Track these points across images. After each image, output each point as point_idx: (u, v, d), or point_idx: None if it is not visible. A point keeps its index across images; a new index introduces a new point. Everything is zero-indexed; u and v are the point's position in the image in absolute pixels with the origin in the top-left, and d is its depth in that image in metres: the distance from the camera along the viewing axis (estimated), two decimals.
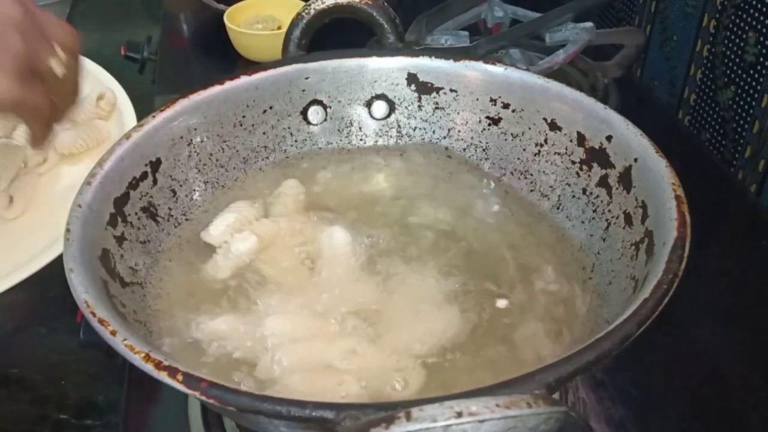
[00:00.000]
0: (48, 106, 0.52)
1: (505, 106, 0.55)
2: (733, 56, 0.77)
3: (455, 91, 0.56)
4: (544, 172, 0.53)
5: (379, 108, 0.58)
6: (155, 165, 0.50)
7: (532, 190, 0.54)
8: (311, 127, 0.58)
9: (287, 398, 0.31)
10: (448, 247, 0.49)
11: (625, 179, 0.47)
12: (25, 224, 0.66)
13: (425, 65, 0.56)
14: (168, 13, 1.15)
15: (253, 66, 0.55)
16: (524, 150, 0.54)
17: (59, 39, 0.52)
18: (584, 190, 0.50)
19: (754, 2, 0.73)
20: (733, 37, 0.77)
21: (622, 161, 0.47)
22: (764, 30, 0.72)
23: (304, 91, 0.57)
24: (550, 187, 0.53)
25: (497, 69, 0.54)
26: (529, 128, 0.54)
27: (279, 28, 0.98)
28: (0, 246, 0.64)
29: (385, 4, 0.56)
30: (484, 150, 0.56)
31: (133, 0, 1.32)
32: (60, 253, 0.53)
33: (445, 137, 0.58)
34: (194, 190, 0.53)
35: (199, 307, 0.45)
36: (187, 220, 0.52)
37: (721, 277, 0.65)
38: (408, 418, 0.28)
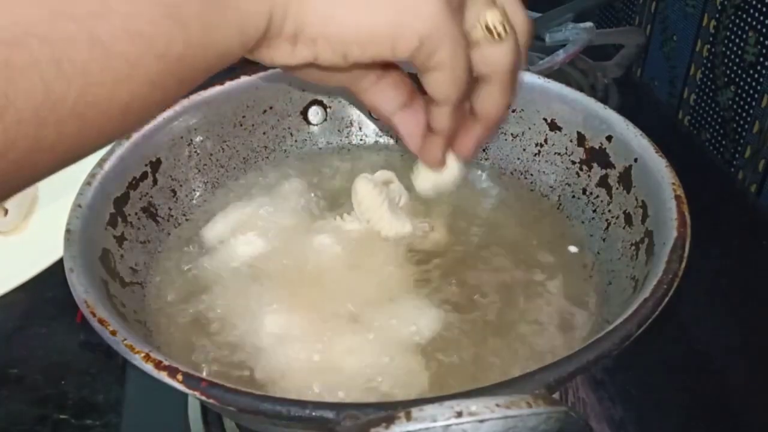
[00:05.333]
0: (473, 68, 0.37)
1: None
2: (733, 56, 0.77)
3: None
4: (544, 172, 0.53)
5: None
6: (155, 165, 0.50)
7: (532, 190, 0.54)
8: (311, 127, 0.58)
9: (287, 398, 0.31)
10: (448, 245, 0.49)
11: (625, 179, 0.47)
12: (20, 238, 0.66)
13: None
14: None
15: (253, 66, 0.55)
16: (524, 150, 0.54)
17: None
18: (584, 190, 0.50)
19: (754, 2, 0.73)
20: (733, 37, 0.77)
21: (622, 161, 0.47)
22: (764, 30, 0.72)
23: (304, 91, 0.57)
24: (550, 187, 0.53)
25: None
26: (529, 128, 0.54)
27: None
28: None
29: None
30: (483, 150, 0.56)
31: None
32: (55, 260, 0.55)
33: None
34: (194, 190, 0.53)
35: (199, 307, 0.45)
36: (187, 220, 0.52)
37: (721, 277, 0.65)
38: (408, 417, 0.28)
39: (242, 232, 0.50)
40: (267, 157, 0.56)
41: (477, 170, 0.56)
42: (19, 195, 0.66)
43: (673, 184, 0.42)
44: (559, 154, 0.52)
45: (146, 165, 0.49)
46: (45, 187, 0.69)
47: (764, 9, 0.72)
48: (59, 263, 0.39)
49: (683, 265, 0.37)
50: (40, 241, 0.63)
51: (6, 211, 0.67)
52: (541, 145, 0.53)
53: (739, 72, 0.76)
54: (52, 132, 0.27)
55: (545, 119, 0.53)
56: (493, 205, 0.53)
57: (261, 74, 0.55)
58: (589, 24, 0.79)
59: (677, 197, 0.41)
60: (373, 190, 0.48)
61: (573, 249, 0.49)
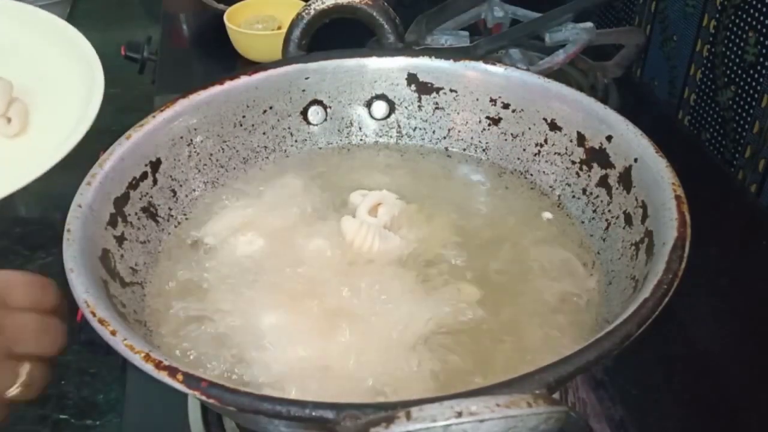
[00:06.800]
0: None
1: (505, 106, 0.55)
2: (733, 56, 0.77)
3: (455, 91, 0.56)
4: (544, 172, 0.53)
5: (379, 108, 0.58)
6: (155, 165, 0.50)
7: (532, 189, 0.54)
8: (311, 127, 0.58)
9: (287, 398, 0.31)
10: (447, 244, 0.49)
11: (625, 179, 0.47)
12: (25, 140, 0.77)
13: (425, 65, 0.56)
14: (168, 13, 1.15)
15: (253, 66, 0.55)
16: (524, 150, 0.54)
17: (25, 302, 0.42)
18: (584, 190, 0.50)
19: (754, 2, 0.73)
20: (733, 37, 0.77)
21: (622, 161, 0.47)
22: (764, 30, 0.72)
23: (304, 91, 0.57)
24: (550, 187, 0.53)
25: (497, 69, 0.54)
26: (529, 128, 0.54)
27: (279, 28, 0.98)
28: (4, 159, 0.75)
29: (385, 4, 0.56)
30: (484, 150, 0.56)
31: (133, 0, 1.32)
32: (60, 158, 0.66)
33: (445, 137, 0.58)
34: (194, 190, 0.53)
35: (199, 307, 0.45)
36: (187, 219, 0.52)
37: (721, 277, 0.65)
38: (408, 417, 0.28)
39: (242, 232, 0.50)
40: (267, 157, 0.56)
41: (477, 170, 0.56)
42: (18, 105, 0.78)
43: (673, 184, 0.42)
44: (559, 154, 0.52)
45: (146, 165, 0.49)
46: (32, 98, 0.81)
47: (764, 9, 0.72)
48: (60, 263, 0.39)
49: (683, 265, 0.37)
50: (43, 141, 0.73)
51: (9, 120, 0.77)
52: (541, 145, 0.53)
53: (739, 72, 0.76)
54: None
55: (545, 119, 0.53)
56: (493, 205, 0.53)
57: (261, 74, 0.55)
58: (589, 24, 0.79)
59: (677, 197, 0.41)
60: (360, 230, 0.49)
61: (573, 248, 0.49)
